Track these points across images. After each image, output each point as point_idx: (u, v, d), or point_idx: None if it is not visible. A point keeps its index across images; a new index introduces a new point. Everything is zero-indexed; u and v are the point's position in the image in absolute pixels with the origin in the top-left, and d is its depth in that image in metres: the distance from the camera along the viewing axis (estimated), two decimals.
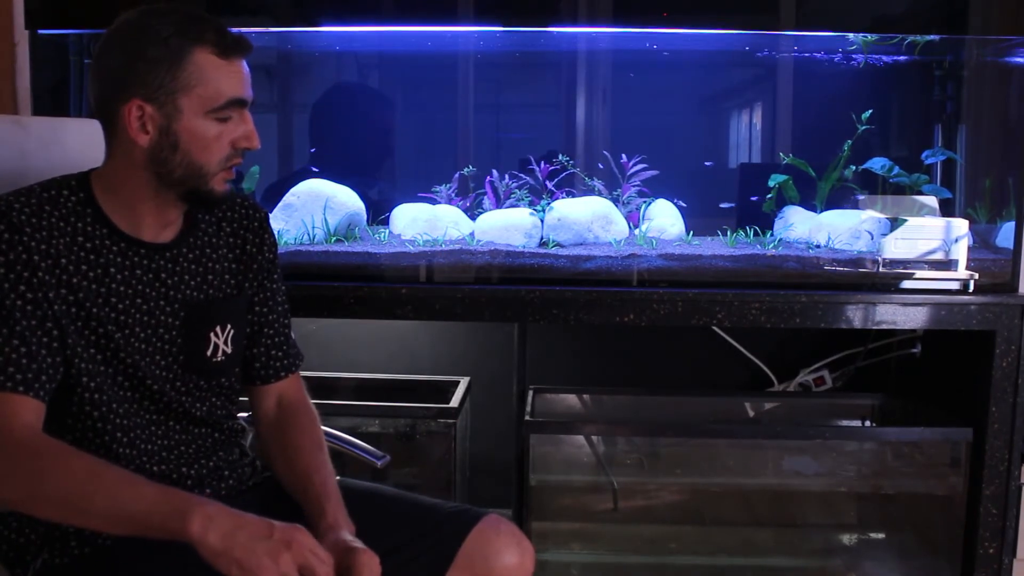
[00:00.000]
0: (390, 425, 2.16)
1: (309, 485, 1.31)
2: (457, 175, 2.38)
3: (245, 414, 1.50)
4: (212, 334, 1.34)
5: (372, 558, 1.18)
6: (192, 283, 1.33)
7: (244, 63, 1.26)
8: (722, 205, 2.48)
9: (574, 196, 2.33)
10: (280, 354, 1.45)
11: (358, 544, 1.20)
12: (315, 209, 2.21)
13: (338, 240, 2.21)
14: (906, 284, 2.06)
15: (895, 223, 2.06)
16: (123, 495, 1.09)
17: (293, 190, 2.25)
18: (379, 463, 1.56)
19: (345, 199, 2.26)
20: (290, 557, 1.05)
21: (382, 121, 2.61)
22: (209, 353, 1.34)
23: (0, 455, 1.11)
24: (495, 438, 2.36)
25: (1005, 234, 2.16)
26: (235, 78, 1.24)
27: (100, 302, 1.24)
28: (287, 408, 1.46)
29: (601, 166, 2.37)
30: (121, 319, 1.26)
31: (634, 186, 2.33)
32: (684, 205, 2.35)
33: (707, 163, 2.49)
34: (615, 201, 2.31)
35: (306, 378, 1.52)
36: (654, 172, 2.32)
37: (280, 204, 2.25)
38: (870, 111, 2.29)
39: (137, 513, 1.08)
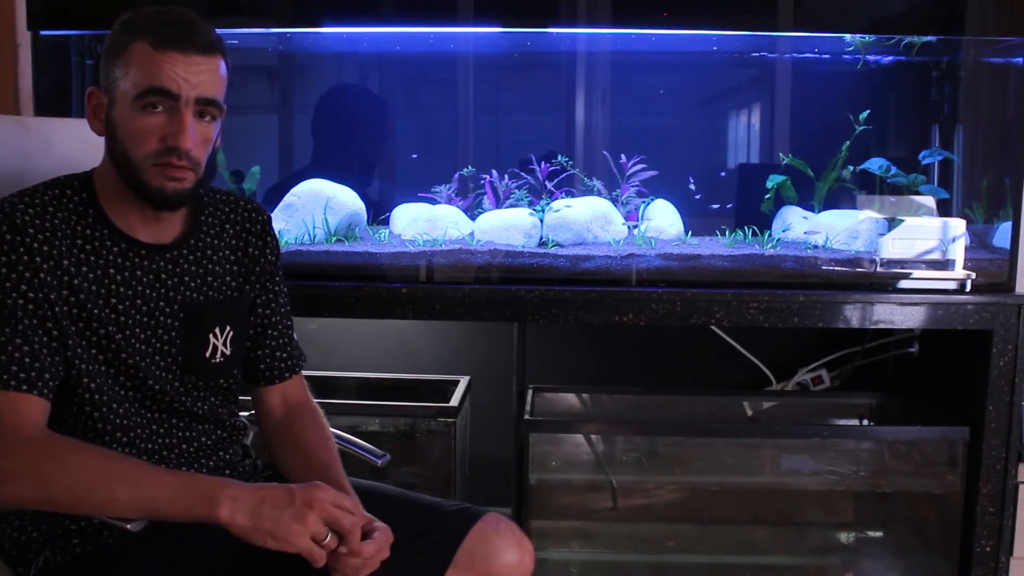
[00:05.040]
0: (390, 424, 2.17)
1: (326, 478, 1.31)
2: (457, 175, 2.39)
3: (246, 413, 1.51)
4: (211, 335, 1.35)
5: (387, 531, 1.19)
6: (192, 284, 1.34)
7: (198, 60, 1.21)
8: (713, 206, 2.49)
9: (573, 196, 2.34)
10: (284, 355, 1.46)
11: (375, 520, 1.21)
12: (315, 209, 2.22)
13: (338, 240, 2.22)
14: (903, 284, 2.06)
15: (893, 223, 2.06)
16: (144, 485, 1.12)
17: (293, 190, 2.26)
18: (379, 462, 1.56)
19: (345, 199, 2.27)
20: (316, 516, 1.10)
21: (382, 121, 2.62)
22: (208, 354, 1.35)
23: (11, 454, 1.12)
24: (495, 437, 2.36)
25: (1002, 234, 2.17)
26: (163, 68, 1.19)
27: (101, 303, 1.25)
28: (294, 406, 1.47)
29: (615, 171, 2.37)
30: (122, 320, 1.26)
31: (633, 186, 2.34)
32: (698, 195, 2.36)
33: (681, 170, 2.49)
34: (614, 201, 2.32)
35: (306, 377, 1.52)
36: (653, 172, 2.33)
37: (281, 204, 2.25)
38: (868, 111, 2.29)
39: (160, 501, 1.11)
